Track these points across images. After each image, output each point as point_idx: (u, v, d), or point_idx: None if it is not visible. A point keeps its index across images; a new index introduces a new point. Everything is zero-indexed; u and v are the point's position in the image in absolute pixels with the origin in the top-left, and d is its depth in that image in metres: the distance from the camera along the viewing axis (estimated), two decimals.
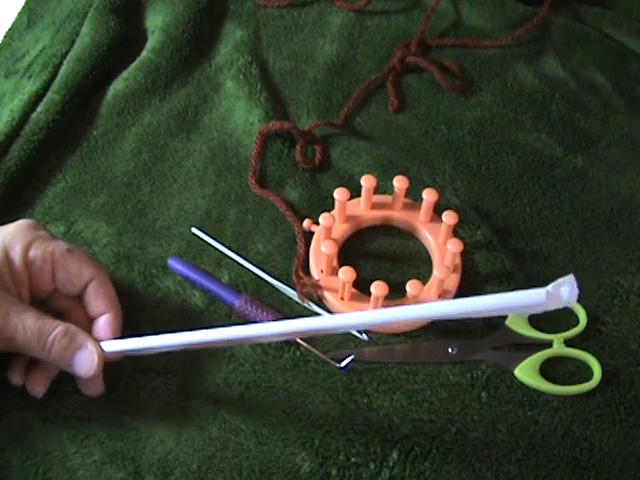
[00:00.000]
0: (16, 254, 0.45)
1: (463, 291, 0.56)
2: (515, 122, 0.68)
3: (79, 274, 0.47)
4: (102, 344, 0.46)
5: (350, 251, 0.59)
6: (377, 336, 0.54)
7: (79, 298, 0.49)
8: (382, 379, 0.52)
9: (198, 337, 0.43)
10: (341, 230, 0.59)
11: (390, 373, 0.52)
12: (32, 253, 0.46)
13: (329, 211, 0.57)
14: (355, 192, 0.59)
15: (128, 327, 0.51)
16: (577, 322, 0.55)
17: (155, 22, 0.74)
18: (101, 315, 0.49)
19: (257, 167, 0.63)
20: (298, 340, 0.53)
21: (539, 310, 0.33)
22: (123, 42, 0.71)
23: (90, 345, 0.45)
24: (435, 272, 0.54)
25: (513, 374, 0.52)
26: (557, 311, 0.55)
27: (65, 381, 0.50)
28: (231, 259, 0.58)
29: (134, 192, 0.62)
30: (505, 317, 0.54)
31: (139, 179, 0.63)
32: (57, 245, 0.47)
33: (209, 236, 0.59)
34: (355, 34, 0.75)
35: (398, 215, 0.59)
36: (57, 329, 0.45)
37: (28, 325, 0.44)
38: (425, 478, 0.48)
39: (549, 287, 0.33)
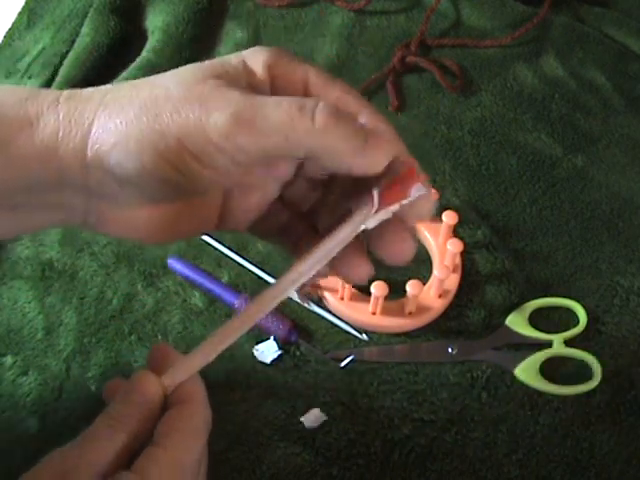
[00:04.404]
0: (258, 64, 0.34)
1: (463, 291, 0.56)
2: (515, 122, 0.68)
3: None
4: (174, 371, 0.35)
5: None
6: (377, 336, 0.54)
7: None
8: (382, 379, 0.52)
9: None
10: None
11: (390, 373, 0.52)
12: (278, 70, 0.35)
13: None
14: None
15: (126, 327, 0.51)
16: (577, 322, 0.55)
17: (155, 22, 0.74)
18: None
19: None
20: (299, 340, 0.53)
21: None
22: (123, 42, 0.71)
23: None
24: (435, 272, 0.54)
25: (513, 374, 0.52)
26: (557, 311, 0.56)
27: None
28: (231, 259, 0.58)
29: None
30: (505, 317, 0.55)
31: None
32: (311, 68, 0.35)
33: (209, 236, 0.59)
34: (355, 34, 0.75)
35: None
36: (321, 102, 0.32)
37: (274, 103, 0.31)
38: (425, 478, 0.48)
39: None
